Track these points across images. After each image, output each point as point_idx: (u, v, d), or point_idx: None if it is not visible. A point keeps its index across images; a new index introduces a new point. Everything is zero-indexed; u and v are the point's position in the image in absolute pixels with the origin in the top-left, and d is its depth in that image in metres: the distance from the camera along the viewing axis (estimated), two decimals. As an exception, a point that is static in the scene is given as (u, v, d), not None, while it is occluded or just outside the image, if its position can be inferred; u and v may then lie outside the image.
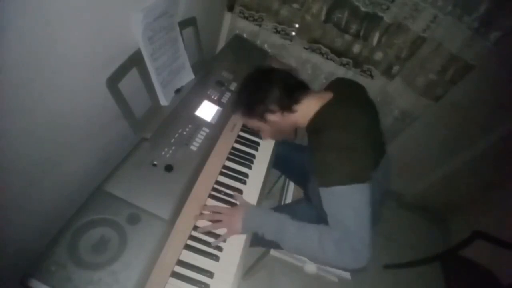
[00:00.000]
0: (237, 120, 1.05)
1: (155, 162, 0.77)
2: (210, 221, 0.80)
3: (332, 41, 1.42)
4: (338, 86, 0.94)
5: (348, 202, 0.71)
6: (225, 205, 0.86)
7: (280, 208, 1.15)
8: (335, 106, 0.82)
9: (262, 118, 0.90)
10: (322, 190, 0.73)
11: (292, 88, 0.88)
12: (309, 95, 0.88)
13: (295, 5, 1.37)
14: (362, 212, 0.70)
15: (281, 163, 1.17)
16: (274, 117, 0.89)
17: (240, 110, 0.93)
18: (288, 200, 1.22)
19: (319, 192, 0.76)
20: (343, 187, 0.70)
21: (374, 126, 0.85)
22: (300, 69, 1.50)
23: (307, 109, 0.85)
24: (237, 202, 0.88)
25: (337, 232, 0.71)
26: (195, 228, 0.77)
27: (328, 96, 0.85)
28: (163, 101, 0.88)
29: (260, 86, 0.89)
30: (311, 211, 1.01)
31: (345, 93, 0.88)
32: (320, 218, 0.99)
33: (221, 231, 0.80)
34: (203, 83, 1.04)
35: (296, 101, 0.87)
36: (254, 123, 0.93)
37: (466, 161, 1.78)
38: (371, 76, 1.47)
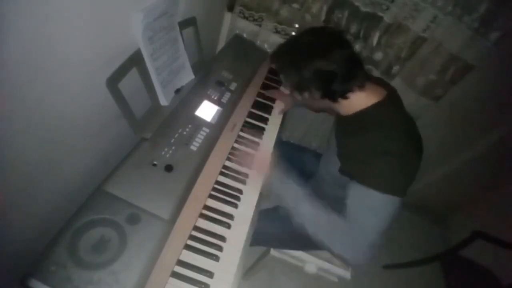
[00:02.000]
0: (237, 121, 1.05)
1: (155, 162, 0.77)
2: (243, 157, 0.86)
3: (332, 41, 1.42)
4: (389, 87, 0.83)
5: (375, 208, 0.70)
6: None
7: (280, 208, 1.14)
8: (391, 109, 0.75)
9: (296, 90, 0.79)
10: (355, 184, 0.71)
11: (350, 77, 0.73)
12: (362, 88, 0.75)
13: (295, 5, 1.37)
14: (383, 222, 0.71)
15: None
16: (310, 96, 0.77)
17: (279, 67, 0.82)
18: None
19: (325, 189, 0.79)
20: (379, 194, 0.68)
21: (419, 138, 0.78)
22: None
23: (355, 102, 0.76)
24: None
25: (351, 228, 0.71)
26: (195, 228, 0.77)
27: (381, 93, 0.77)
28: (163, 101, 0.88)
29: (313, 59, 0.71)
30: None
31: (397, 99, 0.80)
32: None
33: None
34: (203, 83, 1.04)
35: (345, 96, 0.74)
36: (287, 85, 0.85)
37: (466, 161, 1.78)
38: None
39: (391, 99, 0.78)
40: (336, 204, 0.76)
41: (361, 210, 0.71)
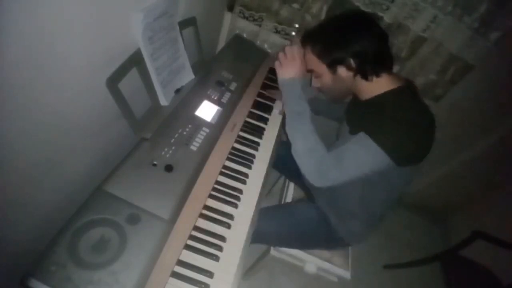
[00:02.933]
0: (237, 121, 1.05)
1: (155, 162, 0.77)
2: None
3: (332, 41, 1.42)
4: (408, 80, 0.86)
5: (363, 155, 0.73)
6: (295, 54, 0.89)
7: (280, 207, 1.15)
8: (409, 94, 0.78)
9: (331, 66, 0.80)
10: (359, 134, 0.74)
11: (383, 57, 0.79)
12: (390, 72, 0.81)
13: (295, 5, 1.37)
14: (359, 169, 0.74)
15: (281, 163, 1.17)
16: (345, 73, 0.80)
17: (314, 44, 0.83)
18: (288, 200, 1.22)
19: None
20: (376, 146, 0.71)
21: (431, 131, 0.79)
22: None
23: (380, 85, 0.79)
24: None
25: (330, 153, 0.77)
26: (195, 228, 0.77)
27: (401, 80, 0.80)
28: (163, 101, 0.88)
29: (355, 31, 0.77)
30: (310, 210, 1.02)
31: (416, 88, 0.84)
32: (320, 217, 1.00)
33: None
34: (203, 83, 1.04)
35: (378, 73, 0.78)
36: (316, 65, 0.84)
37: (466, 161, 1.78)
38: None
39: (411, 87, 0.81)
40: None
41: (350, 148, 0.75)
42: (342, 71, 0.80)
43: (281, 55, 0.90)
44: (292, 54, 0.88)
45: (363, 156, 0.73)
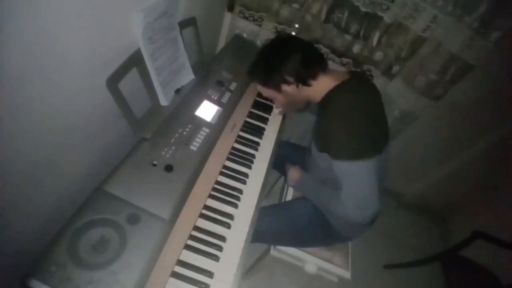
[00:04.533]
0: (237, 121, 1.05)
1: (155, 162, 0.77)
2: None
3: (332, 41, 1.42)
4: (355, 72, 0.96)
5: (347, 175, 0.79)
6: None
7: (278, 205, 1.15)
8: (349, 86, 0.85)
9: (277, 88, 0.91)
10: (333, 160, 0.80)
11: (311, 61, 0.88)
12: (327, 72, 0.89)
13: (295, 5, 1.37)
14: (362, 186, 0.79)
15: (281, 163, 1.17)
16: (289, 89, 0.89)
17: (257, 77, 0.94)
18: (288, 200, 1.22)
19: (316, 163, 0.95)
20: (343, 163, 0.78)
21: (381, 111, 0.88)
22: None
23: (323, 85, 0.87)
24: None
25: (339, 196, 0.82)
26: (195, 228, 0.77)
27: (344, 76, 0.88)
28: (163, 101, 0.88)
29: (279, 55, 0.88)
30: (308, 207, 1.02)
31: (360, 78, 0.92)
32: (318, 213, 1.01)
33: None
34: (203, 83, 1.04)
35: (314, 76, 0.87)
36: (268, 92, 0.95)
37: (466, 161, 1.78)
38: (371, 76, 1.48)
39: (352, 80, 0.87)
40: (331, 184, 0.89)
41: (343, 180, 0.81)
42: (286, 87, 0.90)
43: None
44: (291, 171, 1.07)
45: (353, 177, 0.79)
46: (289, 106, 1.03)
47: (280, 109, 1.21)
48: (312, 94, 0.90)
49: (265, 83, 0.93)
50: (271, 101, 1.23)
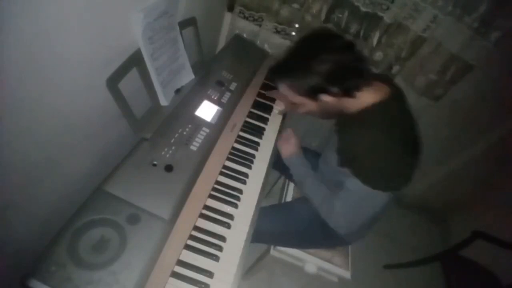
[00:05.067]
0: (237, 121, 1.05)
1: (155, 162, 0.77)
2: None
3: (332, 41, 1.42)
4: (393, 86, 0.83)
5: (360, 196, 0.78)
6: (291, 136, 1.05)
7: (279, 206, 1.15)
8: (393, 108, 0.77)
9: (312, 97, 0.78)
10: (352, 176, 0.77)
11: (358, 70, 0.75)
12: (370, 83, 0.78)
13: (295, 5, 1.37)
14: (366, 209, 0.81)
15: (281, 163, 1.17)
16: (328, 99, 0.77)
17: (282, 81, 0.80)
18: (288, 200, 1.22)
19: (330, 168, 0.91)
20: (364, 186, 0.75)
21: (418, 145, 0.81)
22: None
23: (364, 98, 0.77)
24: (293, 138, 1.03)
25: (336, 205, 0.84)
26: (195, 228, 0.77)
27: (385, 91, 0.78)
28: (163, 101, 0.88)
29: (323, 60, 0.72)
30: (309, 209, 1.02)
31: (401, 98, 0.82)
32: (317, 216, 1.01)
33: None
34: (203, 83, 1.04)
35: (359, 87, 0.75)
36: (297, 98, 0.81)
37: (466, 161, 1.78)
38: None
39: (394, 99, 0.79)
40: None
41: (349, 196, 0.80)
42: (325, 97, 0.77)
43: (280, 137, 1.05)
44: (287, 136, 1.04)
45: (364, 201, 0.79)
46: (317, 115, 0.88)
47: (280, 109, 1.21)
48: (349, 105, 0.79)
49: (294, 89, 0.79)
50: (271, 101, 1.23)
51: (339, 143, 0.84)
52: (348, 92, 0.76)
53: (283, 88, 0.82)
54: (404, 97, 0.84)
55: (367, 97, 0.77)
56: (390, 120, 0.76)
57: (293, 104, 0.86)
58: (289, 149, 1.02)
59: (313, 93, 0.77)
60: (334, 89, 0.75)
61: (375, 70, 1.46)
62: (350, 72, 0.74)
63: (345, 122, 0.85)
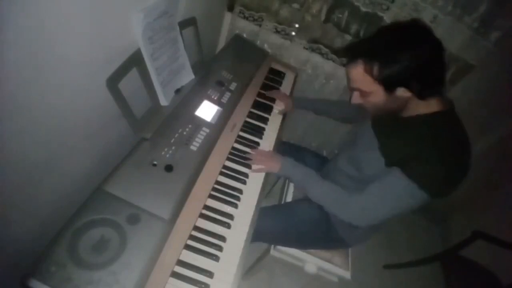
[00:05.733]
0: (237, 121, 1.05)
1: (155, 162, 0.77)
2: (253, 161, 0.96)
3: (332, 41, 1.42)
4: (451, 101, 0.80)
5: (401, 195, 0.74)
6: (264, 152, 1.01)
7: (280, 206, 1.15)
8: (453, 121, 0.76)
9: (389, 86, 0.71)
10: (396, 171, 0.74)
11: (443, 77, 0.73)
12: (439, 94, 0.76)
13: (295, 5, 1.37)
14: (399, 208, 0.77)
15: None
16: (403, 93, 0.71)
17: (370, 62, 0.69)
18: (288, 200, 1.22)
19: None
20: (414, 186, 0.71)
21: (468, 157, 0.78)
22: (300, 69, 1.50)
23: (428, 105, 0.75)
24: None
25: (359, 198, 0.81)
26: (195, 228, 0.77)
27: (445, 103, 0.77)
28: (163, 101, 0.88)
29: (424, 50, 0.67)
30: (311, 210, 1.02)
31: (457, 114, 0.79)
32: (320, 217, 1.00)
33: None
34: (203, 83, 1.04)
35: (436, 93, 0.73)
36: (369, 85, 0.72)
37: (466, 161, 1.78)
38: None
39: (453, 112, 0.78)
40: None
41: (385, 192, 0.77)
42: (400, 92, 0.71)
43: (256, 159, 0.97)
44: (261, 154, 0.99)
45: (403, 200, 0.75)
46: (376, 109, 0.80)
47: (280, 109, 1.20)
48: (414, 108, 0.75)
49: (379, 77, 0.69)
50: (271, 101, 1.23)
51: (387, 144, 0.80)
52: (424, 94, 0.71)
53: (357, 70, 0.72)
54: (458, 113, 0.80)
55: (433, 105, 0.75)
56: (451, 129, 0.75)
57: (359, 90, 0.77)
58: (273, 162, 0.96)
59: (393, 84, 0.70)
60: (417, 86, 0.69)
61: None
62: (436, 75, 0.71)
63: (393, 122, 0.80)
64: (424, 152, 0.71)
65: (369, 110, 0.82)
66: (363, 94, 0.76)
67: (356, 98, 0.79)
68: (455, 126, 0.76)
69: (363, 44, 0.75)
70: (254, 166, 0.97)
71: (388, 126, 0.82)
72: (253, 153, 0.99)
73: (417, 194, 0.72)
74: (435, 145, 0.71)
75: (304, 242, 1.05)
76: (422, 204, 0.76)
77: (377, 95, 0.74)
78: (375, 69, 0.69)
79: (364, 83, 0.73)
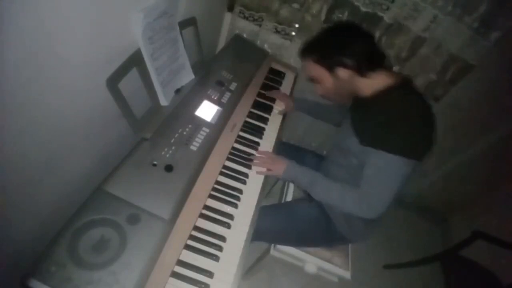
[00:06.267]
0: (237, 121, 1.05)
1: (155, 162, 0.77)
2: (258, 163, 0.97)
3: (332, 41, 1.42)
4: (406, 79, 0.90)
5: (390, 170, 0.80)
6: (269, 154, 1.02)
7: (280, 205, 1.15)
8: (409, 89, 0.85)
9: (331, 69, 0.87)
10: (373, 151, 0.80)
11: (375, 55, 0.86)
12: (384, 69, 0.87)
13: (295, 5, 1.37)
14: (396, 182, 0.80)
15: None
16: (343, 73, 0.86)
17: (313, 52, 0.90)
18: (288, 200, 1.22)
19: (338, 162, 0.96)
20: (394, 156, 0.77)
21: (434, 122, 0.84)
22: (300, 69, 1.50)
23: (377, 81, 0.85)
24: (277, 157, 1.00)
25: (362, 190, 0.84)
26: (195, 228, 0.77)
27: (397, 77, 0.86)
28: (163, 101, 0.88)
29: (347, 37, 0.86)
30: (310, 209, 1.02)
31: (413, 85, 0.89)
32: (320, 215, 1.01)
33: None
34: (203, 83, 1.04)
35: (374, 68, 0.85)
36: (318, 71, 0.90)
37: (466, 161, 1.78)
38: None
39: (409, 83, 0.87)
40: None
41: (376, 174, 0.81)
42: (341, 71, 0.86)
43: (260, 162, 0.98)
44: (266, 156, 0.99)
45: (394, 173, 0.80)
46: (331, 94, 0.95)
47: (280, 109, 1.21)
48: (363, 87, 0.87)
49: (321, 60, 0.88)
50: (271, 101, 1.23)
51: (358, 124, 0.90)
52: (361, 69, 0.84)
53: (308, 62, 0.92)
54: (415, 85, 0.89)
55: (380, 79, 0.85)
56: (407, 97, 0.82)
57: (313, 78, 0.94)
58: (278, 165, 0.97)
59: (330, 64, 0.86)
60: (350, 63, 0.83)
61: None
62: (368, 55, 0.84)
63: (364, 106, 0.90)
64: (393, 125, 0.79)
65: (332, 99, 0.99)
66: (317, 81, 0.93)
67: (316, 89, 0.97)
68: (411, 94, 0.84)
69: (308, 44, 0.93)
70: (257, 169, 0.97)
71: (358, 110, 0.94)
72: (258, 155, 1.00)
73: (406, 162, 0.78)
74: (405, 115, 0.79)
75: (304, 240, 1.05)
76: (412, 169, 0.81)
77: (326, 79, 0.90)
78: (316, 58, 0.89)
79: (313, 71, 0.91)
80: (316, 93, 0.98)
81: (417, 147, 0.79)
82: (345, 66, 0.85)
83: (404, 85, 0.84)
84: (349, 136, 0.90)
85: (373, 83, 0.85)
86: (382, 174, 0.81)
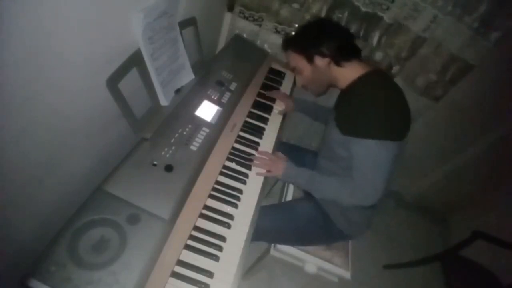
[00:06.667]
0: (237, 121, 1.05)
1: (155, 162, 0.77)
2: (258, 164, 0.98)
3: (332, 41, 1.42)
4: (379, 68, 0.97)
5: (372, 155, 0.81)
6: (269, 155, 1.02)
7: (279, 204, 1.15)
8: (379, 76, 0.91)
9: (310, 58, 0.94)
10: (353, 141, 0.84)
11: (349, 47, 0.94)
12: (358, 60, 0.93)
13: (295, 5, 1.37)
14: (382, 166, 0.82)
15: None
16: (321, 62, 0.93)
17: (293, 43, 0.99)
18: (288, 200, 1.22)
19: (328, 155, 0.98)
20: (373, 141, 0.80)
21: (406, 103, 0.88)
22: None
23: (352, 71, 0.91)
24: (278, 155, 1.04)
25: (354, 180, 0.85)
26: (195, 228, 0.77)
27: (371, 67, 0.92)
28: (163, 101, 0.88)
29: (324, 30, 0.95)
30: (310, 209, 1.02)
31: (385, 73, 0.97)
32: (318, 213, 1.01)
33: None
34: (203, 83, 1.04)
35: (348, 59, 0.91)
36: (298, 61, 0.97)
37: (466, 161, 1.78)
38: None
39: (380, 71, 0.93)
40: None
41: (360, 160, 0.84)
42: (318, 60, 0.93)
43: (260, 163, 0.99)
44: (266, 157, 1.00)
45: (377, 158, 0.82)
46: (312, 83, 1.02)
47: (280, 109, 1.21)
48: (340, 77, 0.93)
49: (301, 49, 0.95)
50: (271, 101, 1.23)
51: (338, 115, 0.95)
52: (336, 58, 0.91)
53: (289, 54, 1.00)
54: (387, 74, 0.98)
55: (355, 70, 0.90)
56: (376, 83, 0.88)
57: (295, 68, 1.01)
58: (278, 166, 0.98)
59: (309, 53, 0.93)
60: (326, 52, 0.91)
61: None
62: (343, 47, 0.91)
63: (342, 98, 0.98)
64: (364, 111, 0.82)
65: (312, 89, 1.04)
66: (298, 71, 1.00)
67: (298, 80, 1.05)
68: (380, 80, 0.90)
69: (289, 38, 1.03)
70: (257, 170, 0.98)
71: (339, 104, 1.02)
72: (258, 155, 1.00)
73: (385, 145, 0.80)
74: (374, 100, 0.83)
75: (304, 239, 1.05)
76: (398, 150, 0.83)
77: (305, 68, 0.97)
78: (296, 48, 0.97)
79: (294, 60, 0.99)
80: (297, 85, 1.07)
81: (392, 128, 0.81)
82: (322, 54, 0.92)
83: (374, 73, 0.89)
84: (332, 128, 0.95)
85: (348, 73, 0.91)
86: (368, 161, 0.83)
